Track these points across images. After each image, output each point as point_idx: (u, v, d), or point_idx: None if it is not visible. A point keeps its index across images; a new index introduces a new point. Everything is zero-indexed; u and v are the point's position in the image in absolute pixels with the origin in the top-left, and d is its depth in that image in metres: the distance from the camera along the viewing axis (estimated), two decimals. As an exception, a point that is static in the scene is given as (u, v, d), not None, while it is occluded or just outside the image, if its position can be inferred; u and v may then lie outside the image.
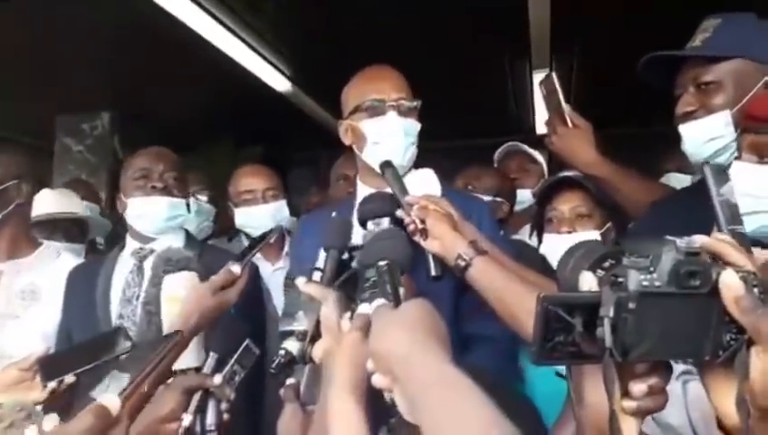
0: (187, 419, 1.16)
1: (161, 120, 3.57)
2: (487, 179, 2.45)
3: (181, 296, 1.41)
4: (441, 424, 0.56)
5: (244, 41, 3.29)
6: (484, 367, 1.36)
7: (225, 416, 1.26)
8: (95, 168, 4.29)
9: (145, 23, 2.96)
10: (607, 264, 0.62)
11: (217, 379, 1.23)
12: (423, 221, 1.30)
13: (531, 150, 2.89)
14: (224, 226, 3.11)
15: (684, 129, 1.45)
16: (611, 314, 0.57)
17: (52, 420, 0.77)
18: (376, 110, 1.51)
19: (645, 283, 0.58)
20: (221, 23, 3.06)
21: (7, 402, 1.05)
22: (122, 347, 1.42)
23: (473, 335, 1.43)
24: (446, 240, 1.26)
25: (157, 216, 1.83)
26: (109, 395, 0.79)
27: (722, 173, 0.81)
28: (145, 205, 1.83)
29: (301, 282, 1.14)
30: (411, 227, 1.30)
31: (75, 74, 3.64)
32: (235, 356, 1.28)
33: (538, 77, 3.84)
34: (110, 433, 0.76)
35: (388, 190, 1.44)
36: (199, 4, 2.87)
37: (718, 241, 0.61)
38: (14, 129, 4.14)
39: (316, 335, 1.03)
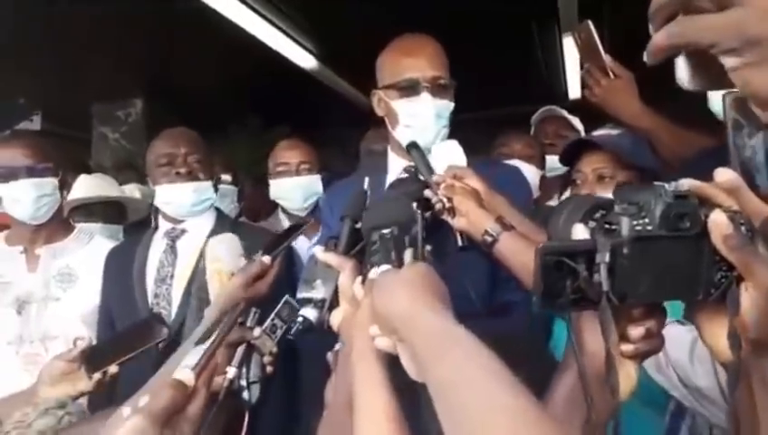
0: (231, 371, 1.19)
1: (190, 103, 3.61)
2: (515, 145, 2.41)
3: (222, 255, 1.44)
4: (448, 381, 0.56)
5: (269, 20, 3.30)
6: (506, 327, 1.37)
7: (269, 369, 1.30)
8: (132, 154, 4.40)
9: (170, 5, 2.98)
10: (598, 214, 0.63)
11: (257, 331, 1.27)
12: (450, 199, 1.30)
13: (569, 116, 2.82)
14: (255, 204, 3.15)
15: None
16: (607, 259, 0.58)
17: (143, 399, 0.80)
18: (409, 91, 1.47)
19: (637, 228, 0.59)
20: (246, 3, 3.07)
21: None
22: (160, 334, 1.48)
23: (504, 303, 1.43)
24: (472, 217, 1.26)
25: (184, 202, 1.83)
26: (183, 370, 0.83)
27: (744, 106, 0.77)
28: (171, 192, 1.83)
29: (318, 250, 1.16)
30: (438, 206, 1.30)
31: (106, 63, 3.70)
32: (275, 311, 1.30)
33: (567, 41, 3.75)
34: (190, 406, 0.80)
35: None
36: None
37: (705, 184, 0.61)
38: (51, 119, 4.25)
39: (335, 303, 1.06)
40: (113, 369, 1.43)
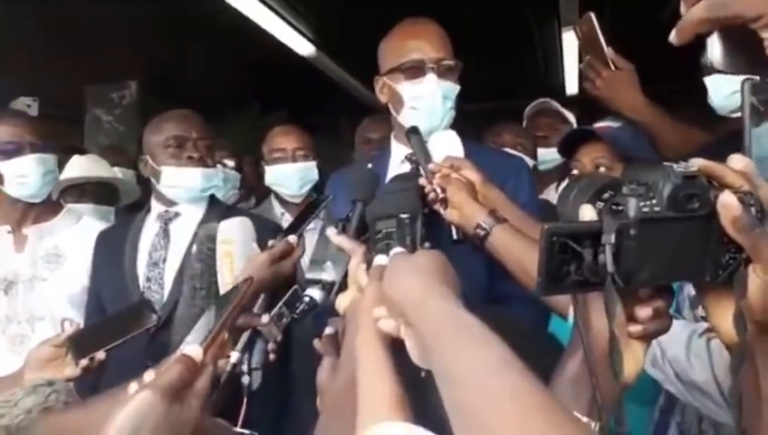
0: (234, 356, 1.18)
1: (187, 87, 3.58)
2: (507, 136, 2.42)
3: (233, 238, 1.42)
4: (455, 367, 0.56)
5: (269, 5, 3.27)
6: (512, 314, 1.36)
7: (272, 356, 1.29)
8: (125, 137, 4.37)
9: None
10: (606, 195, 0.62)
11: (265, 318, 1.25)
12: (444, 190, 1.28)
13: (562, 109, 2.83)
14: (249, 188, 3.14)
15: (709, 81, 1.42)
16: (613, 240, 0.58)
17: (150, 374, 0.80)
18: (414, 72, 1.45)
19: (645, 209, 0.58)
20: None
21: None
22: (148, 320, 1.47)
23: (507, 294, 1.42)
24: (465, 209, 1.24)
25: (193, 187, 1.80)
26: (191, 345, 0.83)
27: (763, 94, 0.76)
28: (181, 176, 1.79)
29: (331, 232, 1.15)
30: (432, 196, 1.29)
31: (102, 45, 3.67)
32: (284, 299, 1.29)
33: (567, 35, 3.75)
34: (198, 381, 0.79)
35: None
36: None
37: (715, 164, 0.60)
38: (44, 100, 4.20)
39: (343, 287, 1.05)
40: (101, 355, 1.41)
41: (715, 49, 0.58)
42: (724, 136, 1.49)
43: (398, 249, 0.89)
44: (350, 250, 1.08)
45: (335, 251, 1.13)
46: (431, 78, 1.44)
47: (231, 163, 2.92)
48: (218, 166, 2.21)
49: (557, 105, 2.84)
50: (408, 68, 1.45)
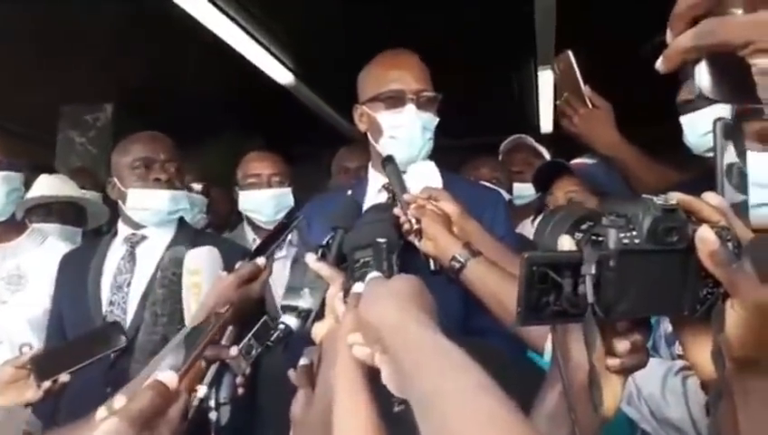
0: (201, 390, 1.14)
1: (163, 112, 3.55)
2: (484, 170, 2.44)
3: (201, 268, 1.38)
4: (432, 392, 0.54)
5: (247, 32, 3.29)
6: (491, 344, 1.33)
7: (240, 390, 1.26)
8: (98, 160, 4.29)
9: (147, 12, 2.94)
10: (585, 226, 0.62)
11: (233, 350, 1.21)
12: (419, 221, 1.27)
13: (537, 145, 2.86)
14: (223, 218, 3.10)
15: (684, 120, 1.45)
16: (593, 271, 0.58)
17: (120, 400, 0.77)
18: (394, 102, 1.46)
19: (625, 241, 0.58)
20: (225, 12, 3.06)
21: None
22: (117, 342, 1.42)
23: (483, 328, 1.39)
24: (439, 242, 1.23)
25: (160, 209, 1.77)
26: (166, 372, 0.81)
27: (735, 135, 0.77)
28: (147, 198, 1.76)
29: (310, 259, 1.13)
30: (406, 227, 1.27)
31: (78, 65, 3.64)
32: (253, 331, 1.25)
33: (543, 74, 3.82)
34: (170, 408, 0.77)
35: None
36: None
37: (693, 198, 0.61)
38: (17, 119, 4.13)
39: (320, 315, 1.03)
40: (64, 377, 1.36)
41: (702, 76, 0.58)
42: (699, 175, 1.52)
43: (374, 274, 0.88)
44: (328, 277, 1.06)
45: (313, 278, 1.11)
46: (410, 108, 1.44)
47: (198, 187, 2.88)
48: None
49: (531, 141, 2.87)
50: (388, 97, 1.46)
